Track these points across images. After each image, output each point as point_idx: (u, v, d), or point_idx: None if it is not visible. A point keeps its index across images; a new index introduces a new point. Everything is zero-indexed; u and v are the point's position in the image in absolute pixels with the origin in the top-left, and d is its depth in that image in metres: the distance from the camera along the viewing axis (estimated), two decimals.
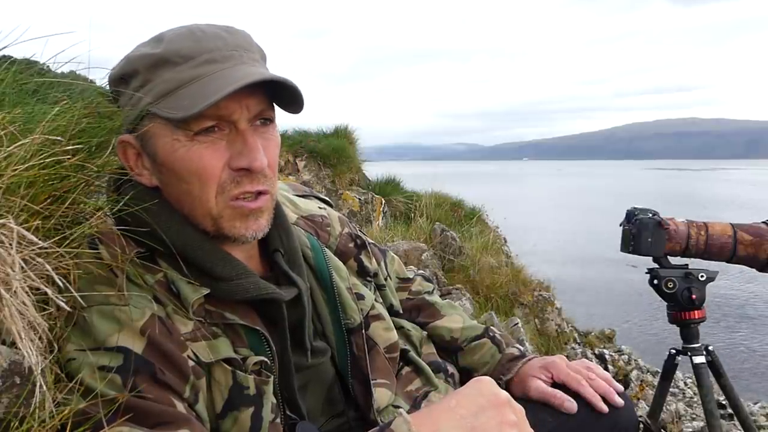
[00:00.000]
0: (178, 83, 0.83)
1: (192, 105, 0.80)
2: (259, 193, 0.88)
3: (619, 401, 1.12)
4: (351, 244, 1.15)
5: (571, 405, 1.10)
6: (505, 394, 0.84)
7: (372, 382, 1.02)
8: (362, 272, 1.14)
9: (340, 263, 1.09)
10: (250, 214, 0.88)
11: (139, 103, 0.86)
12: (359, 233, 1.19)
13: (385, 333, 1.09)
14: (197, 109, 0.80)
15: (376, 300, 1.12)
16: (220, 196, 0.86)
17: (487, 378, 0.87)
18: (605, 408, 1.11)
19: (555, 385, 1.15)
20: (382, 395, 1.03)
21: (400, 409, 0.88)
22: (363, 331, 1.04)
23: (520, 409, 0.84)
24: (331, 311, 1.03)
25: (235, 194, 0.86)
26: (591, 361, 4.02)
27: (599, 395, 1.12)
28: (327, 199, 1.26)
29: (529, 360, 1.20)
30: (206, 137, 0.84)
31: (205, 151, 0.84)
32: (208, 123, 0.84)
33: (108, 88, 0.92)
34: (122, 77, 0.88)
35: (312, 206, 1.17)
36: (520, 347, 1.25)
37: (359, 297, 1.07)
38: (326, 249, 1.09)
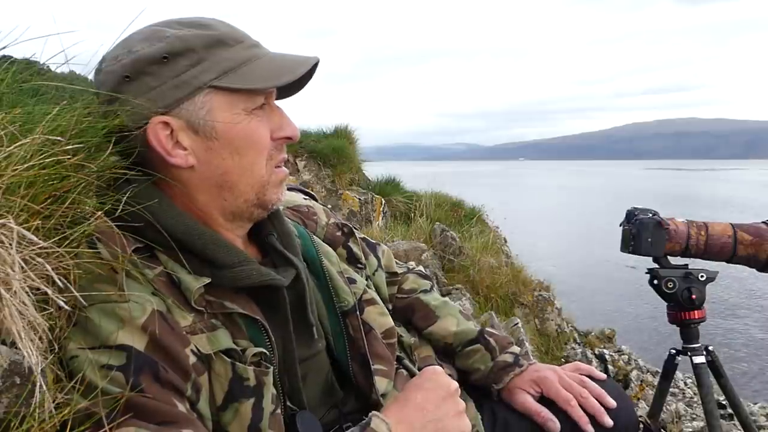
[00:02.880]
0: (239, 62, 0.89)
1: (269, 77, 0.89)
2: (285, 162, 0.98)
3: (608, 422, 1.12)
4: (338, 233, 1.16)
5: (554, 425, 1.11)
6: (455, 384, 0.96)
7: (372, 367, 1.02)
8: (352, 259, 1.15)
9: (330, 249, 1.11)
10: (284, 179, 0.97)
11: (195, 79, 0.87)
12: (345, 222, 1.20)
13: (380, 318, 1.09)
14: (284, 79, 0.90)
15: (368, 287, 1.12)
16: (269, 164, 0.93)
17: (438, 368, 0.98)
18: (592, 431, 1.11)
19: (545, 399, 1.16)
20: (379, 381, 1.03)
21: (376, 412, 0.89)
22: (357, 314, 1.04)
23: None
24: (323, 296, 1.04)
25: (278, 161, 0.95)
26: (591, 361, 3.99)
27: (589, 415, 1.12)
28: (310, 192, 1.28)
29: (523, 370, 1.19)
30: (259, 112, 0.92)
31: (260, 124, 0.92)
32: (262, 100, 0.91)
33: (119, 71, 0.89)
34: (165, 56, 0.87)
35: (297, 198, 1.19)
36: (516, 351, 1.24)
37: (351, 281, 1.08)
38: (314, 236, 1.10)
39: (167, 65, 0.87)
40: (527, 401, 1.15)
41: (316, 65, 0.94)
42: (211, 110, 0.88)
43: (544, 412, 1.12)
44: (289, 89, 0.98)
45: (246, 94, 0.89)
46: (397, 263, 1.34)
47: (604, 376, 1.19)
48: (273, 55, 0.93)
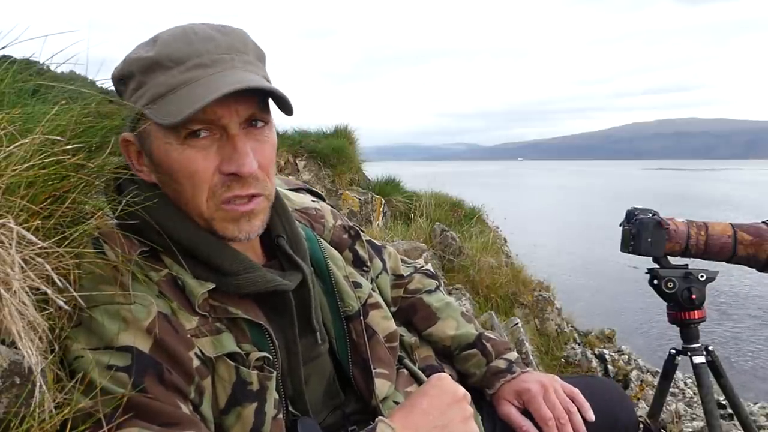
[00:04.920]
0: (168, 88, 0.84)
1: (178, 111, 0.81)
2: (252, 196, 0.88)
3: None
4: (345, 235, 1.16)
5: None
6: (462, 390, 0.94)
7: (372, 370, 1.02)
8: (358, 262, 1.14)
9: (336, 253, 1.10)
10: (241, 217, 0.88)
11: (136, 105, 0.87)
12: (352, 224, 1.20)
13: (383, 321, 1.09)
14: (182, 116, 0.80)
15: (373, 290, 1.12)
16: (211, 200, 0.86)
17: (445, 375, 0.96)
18: None
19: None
20: (381, 385, 1.03)
21: (383, 417, 0.89)
22: (361, 318, 1.05)
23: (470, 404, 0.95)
24: (328, 300, 1.04)
25: (226, 198, 0.86)
26: (591, 361, 3.96)
27: None
28: (319, 192, 1.27)
29: (513, 378, 1.18)
30: (197, 141, 0.84)
31: (197, 155, 0.84)
32: (196, 127, 0.84)
33: (113, 85, 0.93)
34: (121, 78, 0.89)
35: (305, 200, 1.18)
36: (512, 357, 1.22)
37: (356, 285, 1.07)
38: (321, 239, 1.10)
39: (125, 86, 0.89)
40: (510, 413, 1.14)
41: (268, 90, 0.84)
42: (150, 136, 0.87)
43: (526, 426, 1.11)
44: (283, 108, 0.90)
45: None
46: (404, 262, 1.33)
47: (593, 418, 1.12)
48: (211, 79, 0.83)
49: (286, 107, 0.88)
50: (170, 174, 0.86)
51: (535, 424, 1.11)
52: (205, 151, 0.85)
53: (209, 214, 0.87)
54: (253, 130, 0.88)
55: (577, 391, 1.15)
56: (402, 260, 1.33)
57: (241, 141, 0.85)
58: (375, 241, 1.27)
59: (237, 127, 0.86)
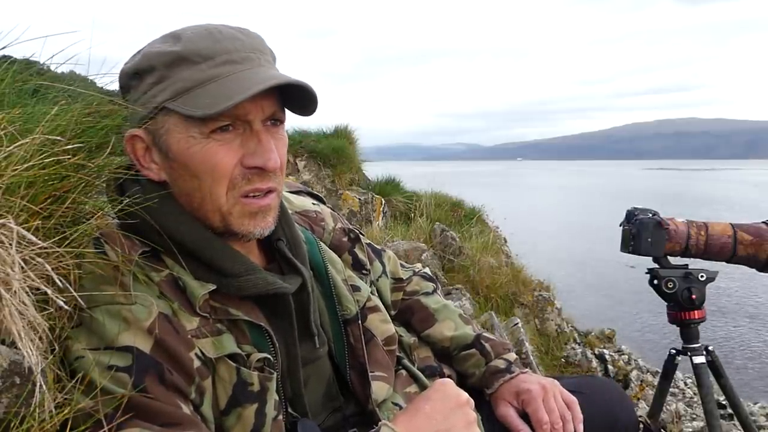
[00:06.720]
0: (197, 82, 0.85)
1: (213, 104, 0.82)
2: (268, 191, 0.90)
3: None
4: (345, 238, 1.16)
5: None
6: (465, 395, 0.95)
7: (370, 374, 1.03)
8: (357, 265, 1.14)
9: (336, 256, 1.10)
10: (258, 211, 0.90)
11: (154, 98, 0.86)
12: (352, 227, 1.20)
13: (382, 325, 1.09)
14: (219, 108, 0.81)
15: (372, 293, 1.12)
16: (231, 192, 0.87)
17: (448, 380, 0.97)
18: None
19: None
20: (379, 388, 1.03)
21: (386, 421, 0.90)
22: (359, 322, 1.05)
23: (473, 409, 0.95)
24: (327, 303, 1.04)
25: (245, 191, 0.88)
26: (591, 361, 3.96)
27: None
28: (319, 195, 1.27)
29: (512, 377, 1.17)
30: (221, 135, 0.86)
31: (220, 149, 0.86)
32: (225, 122, 0.85)
33: (118, 82, 0.93)
34: (136, 72, 0.89)
35: (306, 202, 1.19)
36: (511, 358, 1.21)
37: (355, 289, 1.08)
38: (321, 242, 1.10)
39: (140, 81, 0.89)
40: (508, 415, 1.13)
41: (300, 86, 0.87)
42: (168, 131, 0.87)
43: (524, 429, 1.11)
44: (302, 108, 0.93)
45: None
46: (402, 266, 1.33)
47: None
48: (243, 75, 0.85)
49: (305, 107, 0.92)
50: (189, 168, 0.87)
51: (530, 426, 1.11)
52: (228, 144, 0.86)
53: (228, 208, 0.88)
54: (272, 128, 0.91)
55: (575, 400, 1.13)
56: (401, 264, 1.33)
57: (265, 136, 0.88)
58: (374, 245, 1.27)
59: (260, 123, 0.88)
